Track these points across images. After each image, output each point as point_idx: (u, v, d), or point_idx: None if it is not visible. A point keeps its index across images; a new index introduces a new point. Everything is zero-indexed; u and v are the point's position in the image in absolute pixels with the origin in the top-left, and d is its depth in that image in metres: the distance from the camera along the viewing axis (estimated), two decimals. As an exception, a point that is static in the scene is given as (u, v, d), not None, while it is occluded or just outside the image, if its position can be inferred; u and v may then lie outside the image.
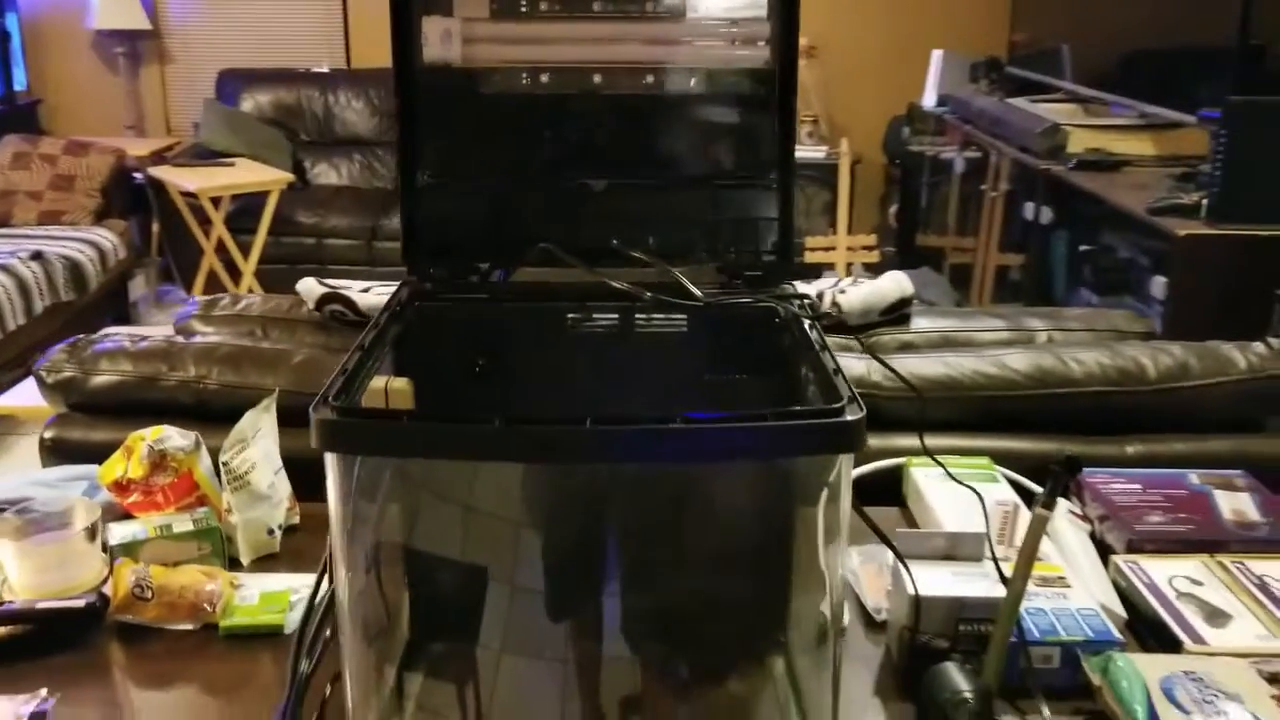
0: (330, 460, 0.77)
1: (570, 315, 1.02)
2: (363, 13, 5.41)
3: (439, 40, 0.97)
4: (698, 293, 0.97)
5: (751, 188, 1.04)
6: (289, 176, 4.61)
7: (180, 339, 1.60)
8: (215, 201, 4.33)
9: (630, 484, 0.92)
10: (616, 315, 1.01)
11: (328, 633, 0.97)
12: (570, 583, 0.99)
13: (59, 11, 5.39)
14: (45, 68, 5.48)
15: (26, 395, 2.93)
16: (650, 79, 1.00)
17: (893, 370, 1.24)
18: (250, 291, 3.99)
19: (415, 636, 1.00)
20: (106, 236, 4.33)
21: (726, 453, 0.74)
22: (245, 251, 4.45)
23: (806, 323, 0.93)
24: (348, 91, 5.28)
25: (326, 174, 5.23)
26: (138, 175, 4.67)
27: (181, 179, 4.34)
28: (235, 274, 4.50)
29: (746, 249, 1.04)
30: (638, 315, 1.01)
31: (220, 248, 4.45)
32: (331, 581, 0.90)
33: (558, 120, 1.03)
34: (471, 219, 1.05)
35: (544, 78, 1.00)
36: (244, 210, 4.52)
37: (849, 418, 0.73)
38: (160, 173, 4.47)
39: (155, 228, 4.77)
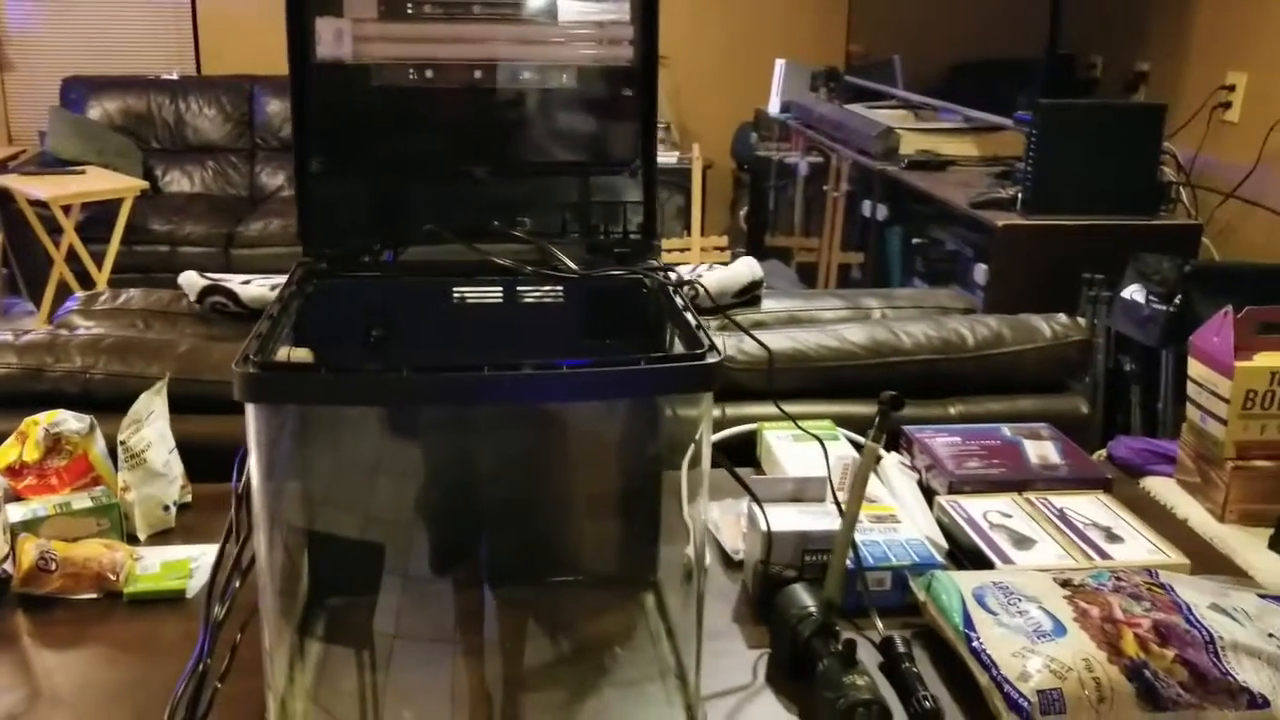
0: (250, 412, 0.85)
1: (456, 290, 1.12)
2: (213, 19, 5.36)
3: (331, 39, 1.07)
4: (573, 266, 1.09)
5: (618, 174, 1.16)
6: (142, 184, 4.55)
7: (64, 332, 1.64)
8: (66, 210, 4.24)
9: (511, 433, 1.03)
10: (499, 289, 1.12)
11: (236, 584, 1.05)
12: (452, 532, 1.09)
13: (-111, 17, 5.20)
14: (-126, 74, 5.27)
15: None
16: (526, 75, 1.12)
17: (751, 335, 1.38)
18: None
19: (319, 584, 1.09)
20: (-52, 247, 4.20)
21: (607, 392, 0.86)
22: (97, 261, 4.37)
23: (670, 290, 1.05)
24: (199, 98, 5.23)
25: (179, 181, 5.16)
26: (-21, 184, 4.53)
27: (30, 187, 4.24)
28: (87, 284, 4.41)
29: (615, 229, 1.16)
30: (518, 288, 1.12)
31: (71, 257, 4.36)
32: (246, 533, 0.98)
33: (441, 112, 1.13)
34: (362, 203, 1.14)
35: (428, 73, 1.10)
36: (95, 219, 4.44)
37: (709, 360, 0.86)
38: (7, 181, 4.35)
39: (0, 238, 4.64)
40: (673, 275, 1.08)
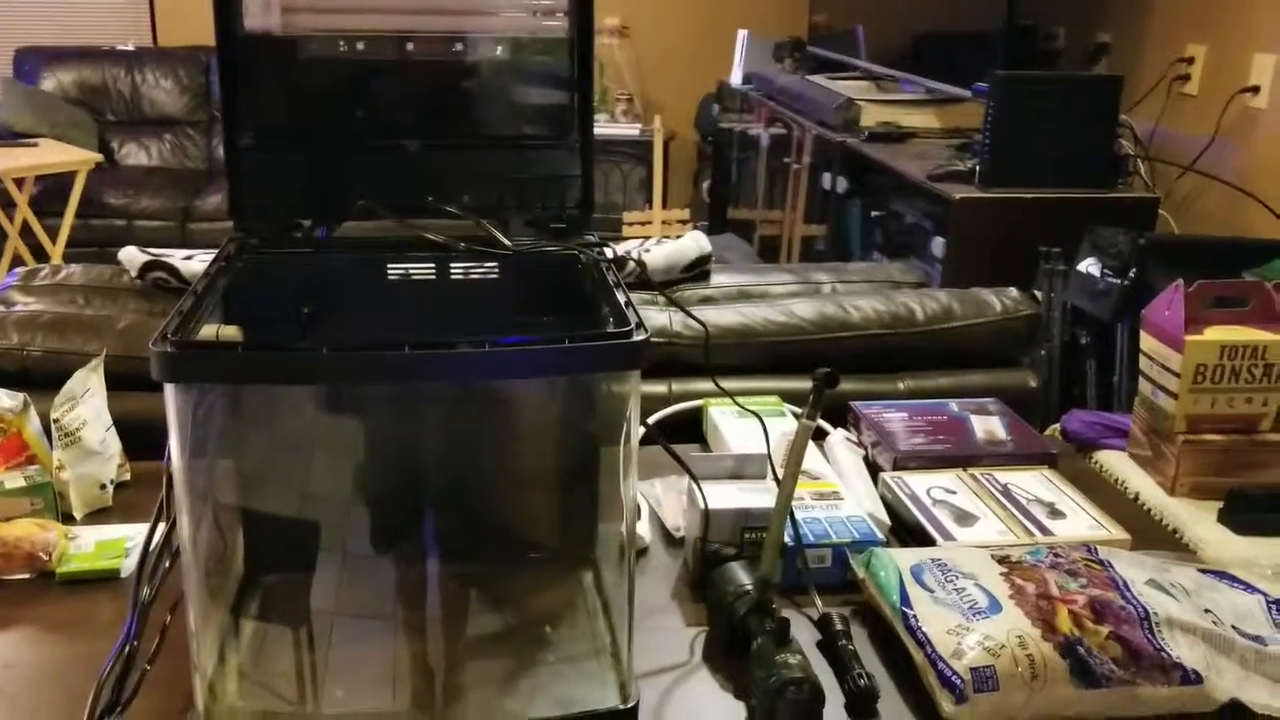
0: (170, 392, 0.84)
1: (389, 266, 1.11)
2: (169, -11, 5.28)
3: (259, 9, 1.04)
4: (507, 242, 1.08)
5: (555, 148, 1.15)
6: (96, 156, 4.48)
7: (1, 308, 1.61)
8: (19, 183, 4.18)
9: (447, 412, 1.02)
10: (433, 265, 1.11)
11: (166, 564, 1.03)
12: (391, 510, 1.08)
13: None
14: None
15: None
16: (459, 47, 1.10)
17: (687, 311, 1.37)
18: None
19: (249, 564, 1.08)
20: (-103, 220, 4.13)
21: (531, 370, 0.85)
22: (52, 235, 4.31)
23: (604, 266, 1.04)
24: (155, 70, 5.15)
25: (136, 154, 5.09)
26: (-70, 156, 4.45)
27: (-20, 159, 4.18)
28: (42, 258, 4.35)
29: (551, 204, 1.15)
30: (452, 265, 1.11)
31: (25, 231, 4.30)
32: (171, 514, 0.97)
33: (374, 85, 1.11)
34: (294, 178, 1.12)
35: (359, 45, 1.08)
36: (49, 193, 4.38)
37: (635, 339, 0.85)
38: (-44, 153, 4.29)
39: (-49, 211, 4.57)
40: (607, 252, 1.06)
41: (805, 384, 1.62)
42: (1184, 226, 3.28)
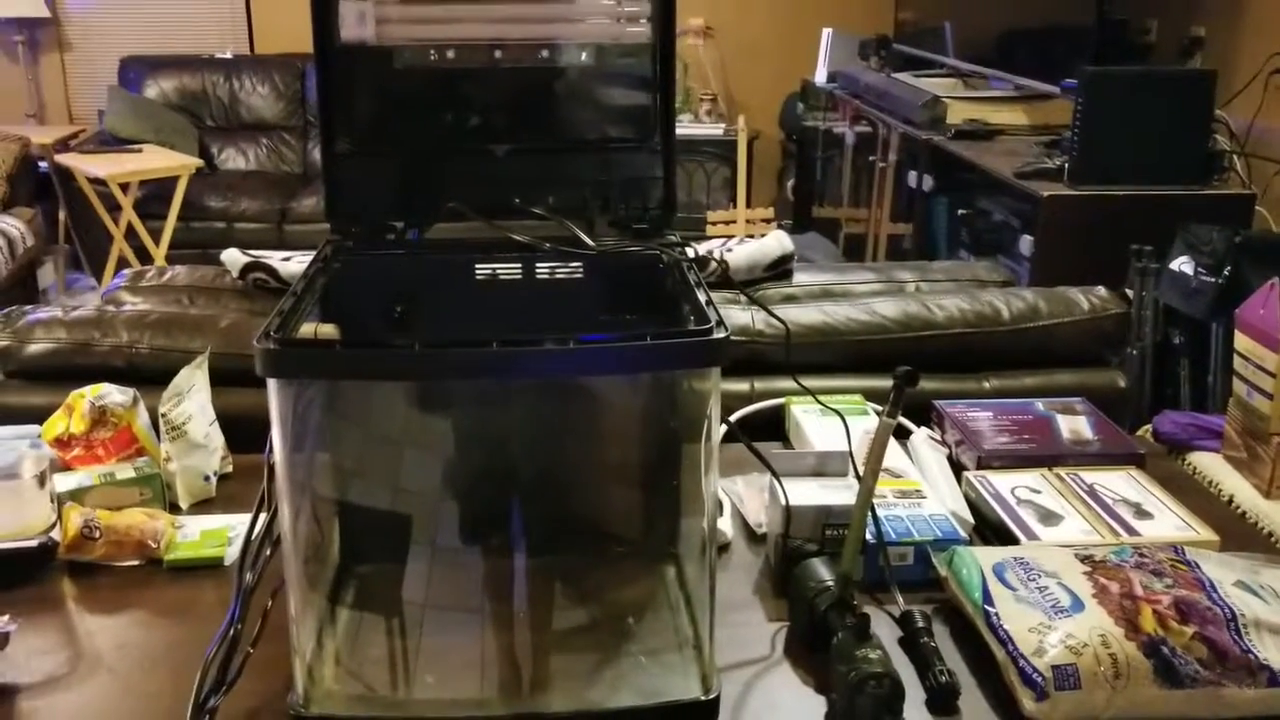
0: (272, 386, 0.88)
1: (478, 266, 1.14)
2: (265, -1, 5.43)
3: (355, 21, 1.08)
4: (591, 243, 1.10)
5: (637, 150, 1.17)
6: (197, 161, 4.63)
7: (111, 308, 1.69)
8: (124, 188, 4.33)
9: (533, 408, 1.05)
10: (519, 265, 1.14)
11: (268, 552, 1.08)
12: (479, 504, 1.11)
13: (-47, 0, 5.32)
14: (-62, 56, 5.41)
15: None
16: (545, 54, 1.13)
17: (768, 310, 1.38)
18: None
19: (345, 554, 1.12)
20: (14, 225, 4.30)
21: (614, 367, 0.87)
22: (155, 237, 4.47)
23: (685, 266, 1.06)
24: (253, 77, 5.30)
25: (234, 159, 5.25)
26: (43, 163, 4.64)
27: (89, 166, 4.34)
28: (145, 260, 4.51)
29: (634, 205, 1.17)
30: (538, 265, 1.14)
31: (129, 234, 4.46)
32: (273, 504, 1.01)
33: (463, 92, 1.15)
34: (387, 182, 1.16)
35: (450, 54, 1.12)
36: (152, 196, 4.54)
37: (715, 336, 0.87)
38: (68, 160, 4.45)
39: (62, 215, 4.75)
40: (689, 251, 1.08)
41: (888, 383, 1.63)
42: (1283, 223, 3.19)
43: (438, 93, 1.15)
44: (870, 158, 4.17)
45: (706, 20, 5.17)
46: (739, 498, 1.33)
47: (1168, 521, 1.24)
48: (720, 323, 0.88)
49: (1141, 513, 1.26)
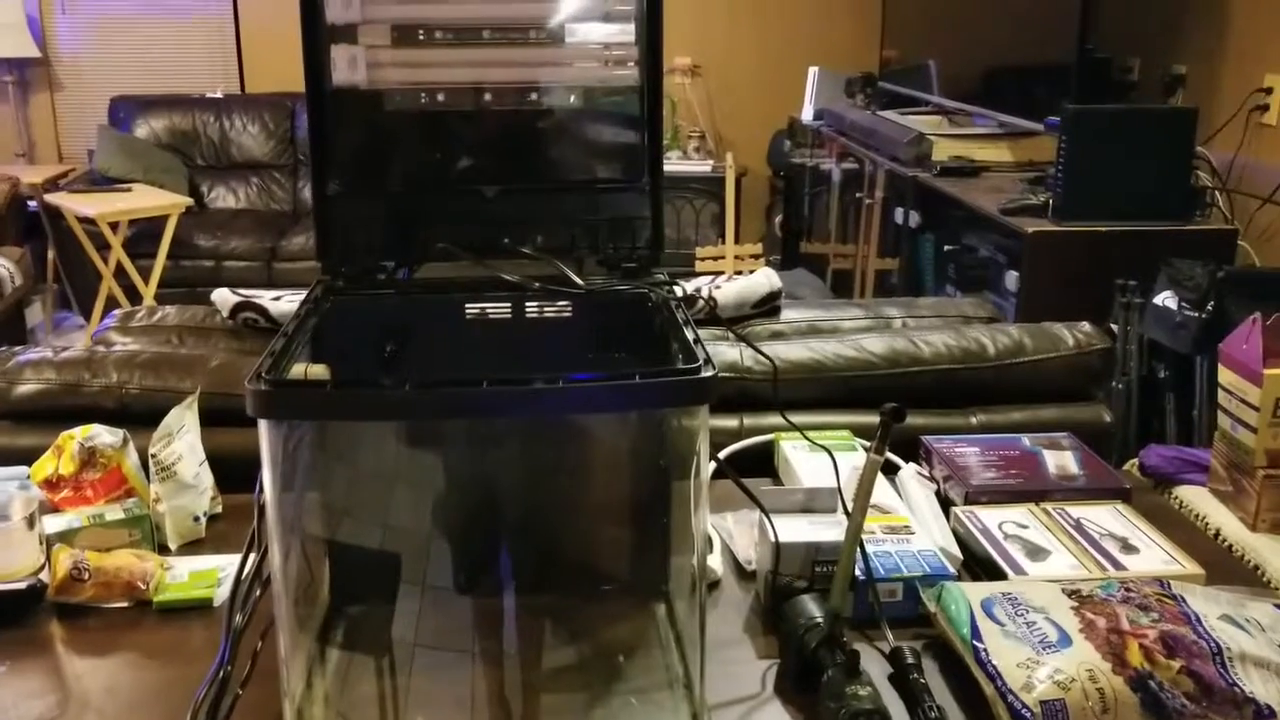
0: (263, 427, 0.88)
1: (468, 305, 1.15)
2: (255, 39, 5.46)
3: (346, 65, 1.10)
4: (580, 281, 1.11)
5: (626, 190, 1.19)
6: (187, 200, 4.64)
7: (101, 348, 1.69)
8: (114, 227, 4.34)
9: (522, 446, 1.06)
10: (509, 304, 1.15)
11: (257, 594, 1.08)
12: (469, 543, 1.11)
13: (-57, 40, 5.34)
14: (-71, 96, 5.43)
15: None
16: (534, 96, 1.14)
17: (755, 348, 1.39)
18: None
19: (334, 594, 1.12)
20: (3, 264, 4.29)
21: (603, 406, 0.88)
22: (144, 275, 4.47)
23: (674, 304, 1.07)
24: (243, 116, 5.32)
25: (224, 197, 5.26)
26: (32, 202, 4.65)
27: (79, 205, 4.34)
28: (135, 298, 4.51)
29: (623, 244, 1.18)
30: (527, 304, 1.14)
31: (119, 272, 4.46)
32: (263, 544, 1.01)
33: (453, 134, 1.16)
34: (377, 222, 1.17)
35: (440, 96, 1.13)
36: (142, 235, 4.55)
37: (704, 375, 0.88)
38: (57, 199, 4.46)
39: (51, 254, 4.75)
40: (677, 290, 1.09)
41: (876, 419, 1.64)
42: (1266, 259, 3.22)
43: (428, 134, 1.16)
44: (857, 194, 4.20)
45: (694, 59, 5.23)
46: (729, 534, 1.34)
47: (1154, 556, 1.25)
48: (708, 361, 0.89)
49: (1128, 547, 1.26)
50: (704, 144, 5.30)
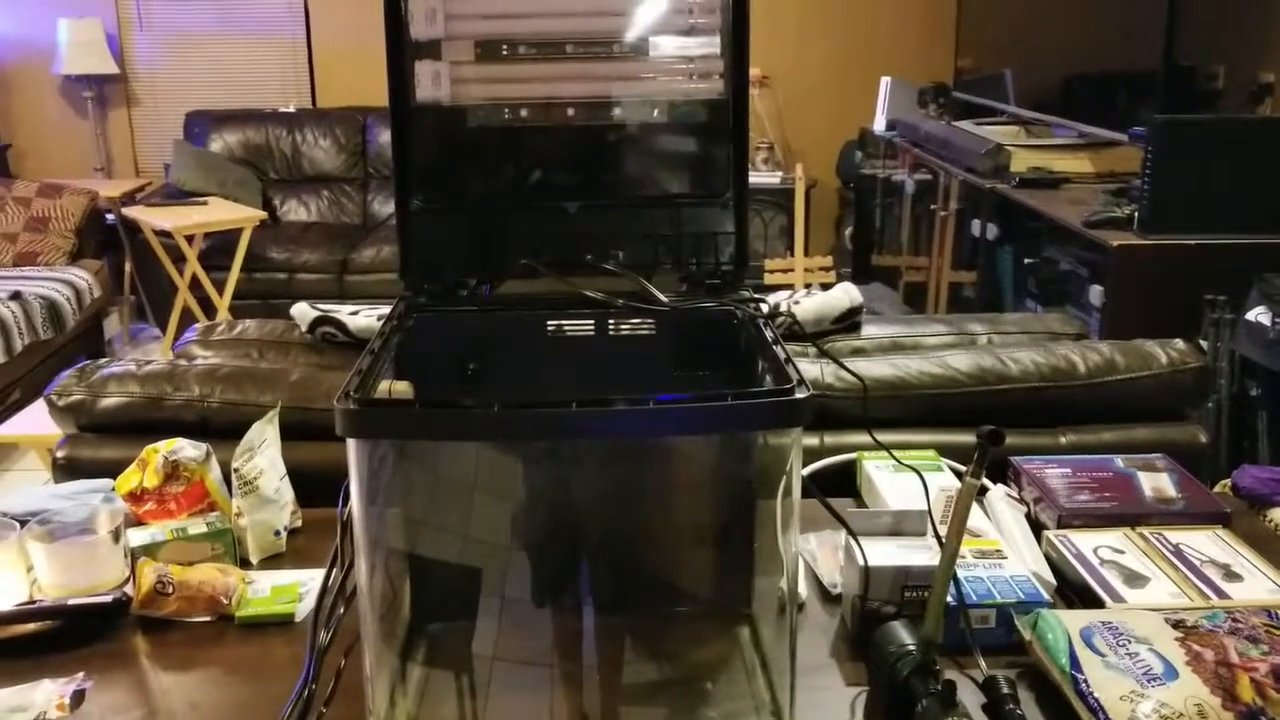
0: (351, 445, 0.88)
1: (550, 323, 1.14)
2: (327, 54, 5.53)
3: (430, 81, 1.09)
4: (664, 298, 1.10)
5: (710, 205, 1.17)
6: (261, 214, 4.71)
7: (183, 362, 1.70)
8: (189, 239, 4.42)
9: (606, 464, 1.04)
10: (592, 322, 1.14)
11: (341, 610, 1.07)
12: (550, 561, 1.10)
13: (27, 58, 5.48)
14: (13, 112, 5.57)
15: (19, 426, 3.01)
16: (617, 111, 1.13)
17: (841, 364, 1.36)
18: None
19: (416, 611, 1.12)
20: (81, 276, 4.40)
21: (695, 427, 0.86)
22: (219, 288, 4.54)
23: (761, 322, 1.05)
24: (314, 130, 5.39)
25: (296, 210, 5.33)
26: (109, 216, 4.75)
27: (156, 218, 4.42)
28: (209, 310, 4.59)
29: (706, 260, 1.16)
30: (610, 321, 1.13)
31: (194, 285, 4.54)
32: (348, 561, 1.00)
33: (536, 149, 1.15)
34: (460, 239, 1.17)
35: (523, 112, 1.12)
36: (216, 248, 4.62)
37: (798, 396, 0.85)
38: (134, 213, 4.55)
39: (128, 267, 4.85)
40: (764, 307, 1.07)
41: (962, 437, 1.60)
42: (1361, 271, 3.10)
43: (510, 150, 1.15)
44: (930, 205, 4.14)
45: (763, 69, 5.20)
46: (812, 556, 1.31)
47: (1259, 584, 1.20)
48: (801, 381, 0.87)
49: (1231, 575, 1.21)
50: (772, 155, 5.26)
